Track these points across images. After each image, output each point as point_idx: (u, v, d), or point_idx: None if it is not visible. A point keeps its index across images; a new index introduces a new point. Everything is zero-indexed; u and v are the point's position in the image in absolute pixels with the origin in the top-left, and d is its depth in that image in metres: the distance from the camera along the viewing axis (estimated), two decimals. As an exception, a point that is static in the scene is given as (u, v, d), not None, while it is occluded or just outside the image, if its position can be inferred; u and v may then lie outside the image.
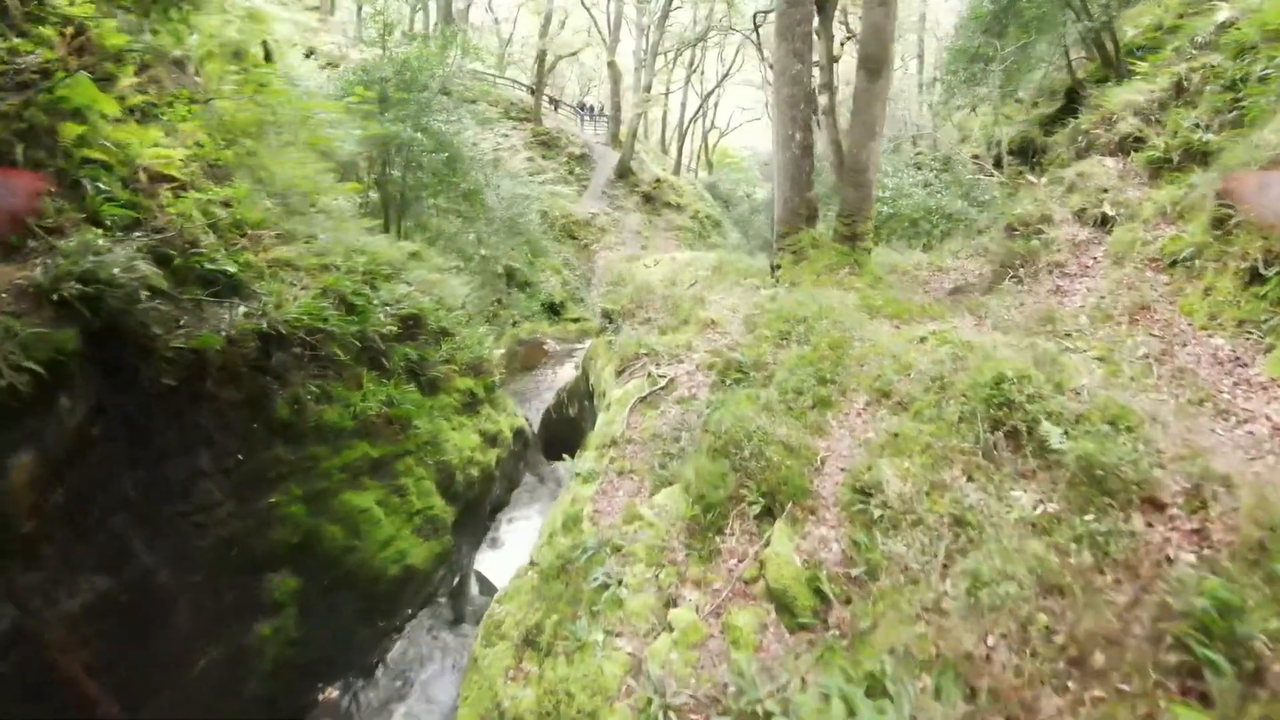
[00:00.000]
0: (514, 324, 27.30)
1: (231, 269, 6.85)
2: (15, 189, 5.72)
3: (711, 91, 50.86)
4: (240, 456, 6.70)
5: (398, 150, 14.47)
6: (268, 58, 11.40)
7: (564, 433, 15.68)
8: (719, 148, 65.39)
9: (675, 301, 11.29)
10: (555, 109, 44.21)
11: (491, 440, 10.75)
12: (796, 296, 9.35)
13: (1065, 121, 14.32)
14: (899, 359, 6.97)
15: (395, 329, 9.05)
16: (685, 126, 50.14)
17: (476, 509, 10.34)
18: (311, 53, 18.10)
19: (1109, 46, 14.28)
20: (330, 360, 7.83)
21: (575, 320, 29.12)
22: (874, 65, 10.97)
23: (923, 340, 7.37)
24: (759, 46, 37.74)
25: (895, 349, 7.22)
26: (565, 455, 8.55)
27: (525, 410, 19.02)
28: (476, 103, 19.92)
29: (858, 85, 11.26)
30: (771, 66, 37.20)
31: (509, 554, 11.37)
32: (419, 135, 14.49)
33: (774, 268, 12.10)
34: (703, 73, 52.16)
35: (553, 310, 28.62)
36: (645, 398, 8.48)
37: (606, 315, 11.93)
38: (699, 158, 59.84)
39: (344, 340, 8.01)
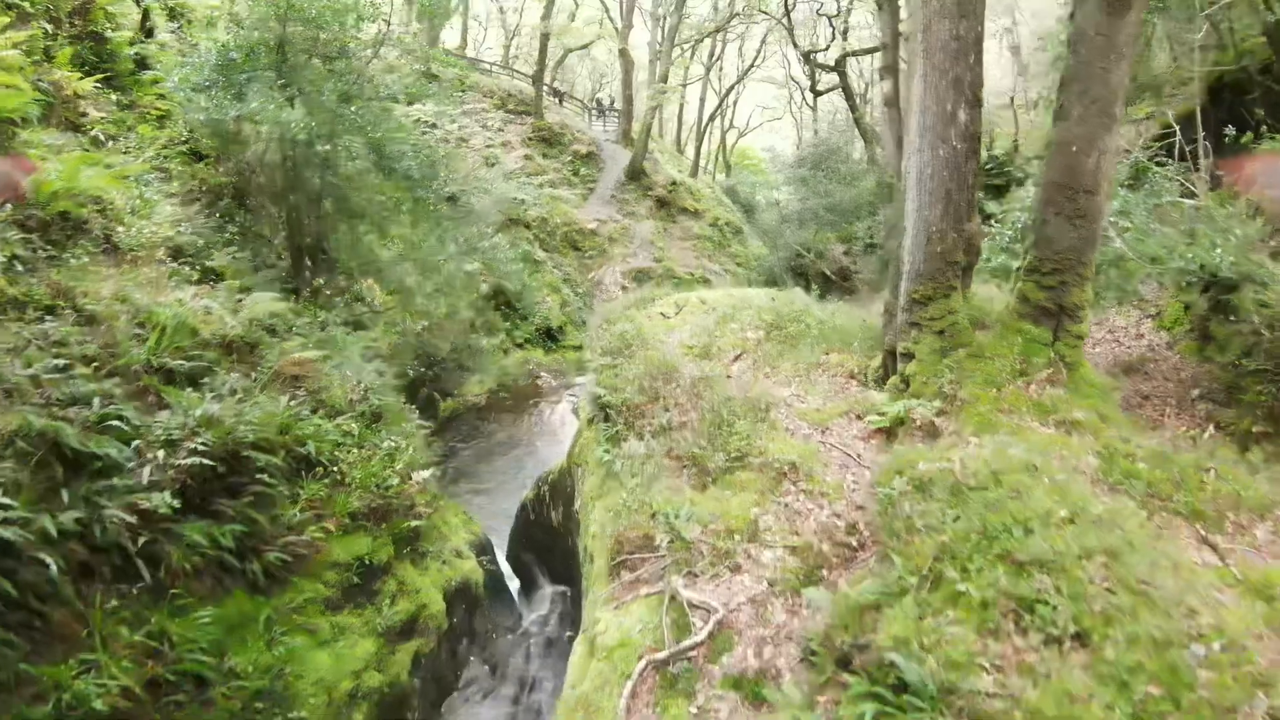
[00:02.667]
0: (504, 352, 22.99)
1: None
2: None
3: (732, 87, 46.51)
4: None
5: (303, 155, 9.86)
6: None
7: (542, 544, 11.42)
8: (738, 148, 61.10)
9: (715, 407, 6.85)
10: (560, 102, 39.77)
11: (404, 631, 6.34)
12: (983, 457, 4.80)
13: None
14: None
15: (175, 495, 4.64)
16: (705, 124, 45.68)
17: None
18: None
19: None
20: None
21: (575, 348, 24.71)
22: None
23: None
24: (790, 31, 33.33)
25: None
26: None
27: (500, 496, 14.78)
28: (438, 79, 15.44)
29: (1080, 28, 6.70)
30: (805, 56, 32.77)
31: None
32: (337, 126, 9.96)
33: (895, 355, 7.67)
34: (722, 68, 47.84)
35: (549, 336, 24.30)
36: (664, 662, 4.06)
37: (601, 407, 7.53)
38: (717, 159, 55.45)
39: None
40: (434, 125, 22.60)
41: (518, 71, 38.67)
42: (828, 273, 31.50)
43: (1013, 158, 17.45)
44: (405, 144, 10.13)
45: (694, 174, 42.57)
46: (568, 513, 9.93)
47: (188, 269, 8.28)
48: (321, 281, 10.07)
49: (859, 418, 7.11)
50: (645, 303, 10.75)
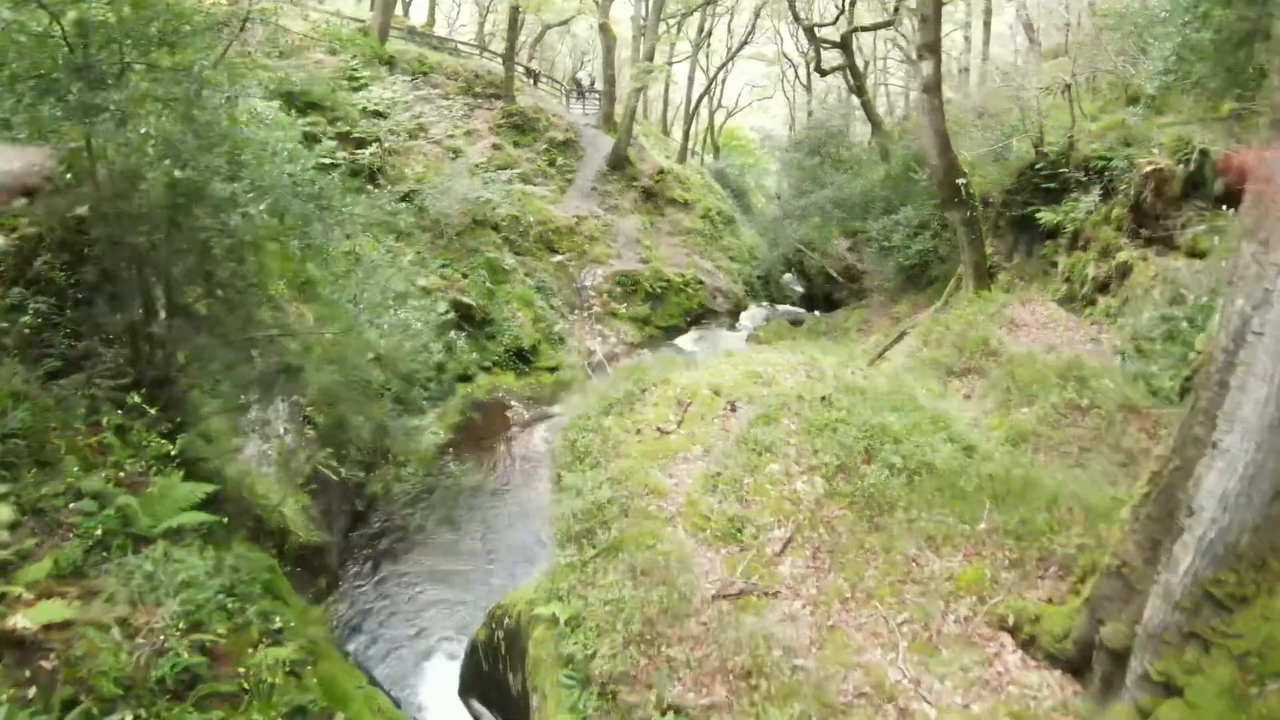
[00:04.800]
0: (468, 378, 19.87)
1: None
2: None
3: (723, 65, 43.19)
4: None
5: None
6: None
7: (498, 703, 8.55)
8: (726, 128, 57.80)
9: (769, 694, 3.79)
10: (535, 83, 36.28)
11: None
12: None
13: None
14: None
15: None
16: (694, 106, 42.39)
17: None
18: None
19: None
20: None
21: (551, 369, 21.68)
22: None
23: None
24: (792, 2, 30.02)
25: None
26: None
27: (466, 585, 11.79)
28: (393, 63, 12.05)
29: None
30: (808, 31, 29.37)
31: None
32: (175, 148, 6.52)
33: (1114, 653, 4.37)
34: (710, 45, 44.47)
35: (520, 357, 21.11)
36: None
37: (566, 661, 4.42)
38: (705, 140, 52.21)
39: None
40: (382, 114, 19.29)
41: (491, 51, 35.14)
42: (832, 272, 28.50)
43: (1068, 156, 14.38)
44: (271, 174, 6.80)
45: (682, 159, 39.43)
46: (524, 689, 6.97)
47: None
48: (178, 366, 6.87)
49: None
50: (631, 398, 7.63)
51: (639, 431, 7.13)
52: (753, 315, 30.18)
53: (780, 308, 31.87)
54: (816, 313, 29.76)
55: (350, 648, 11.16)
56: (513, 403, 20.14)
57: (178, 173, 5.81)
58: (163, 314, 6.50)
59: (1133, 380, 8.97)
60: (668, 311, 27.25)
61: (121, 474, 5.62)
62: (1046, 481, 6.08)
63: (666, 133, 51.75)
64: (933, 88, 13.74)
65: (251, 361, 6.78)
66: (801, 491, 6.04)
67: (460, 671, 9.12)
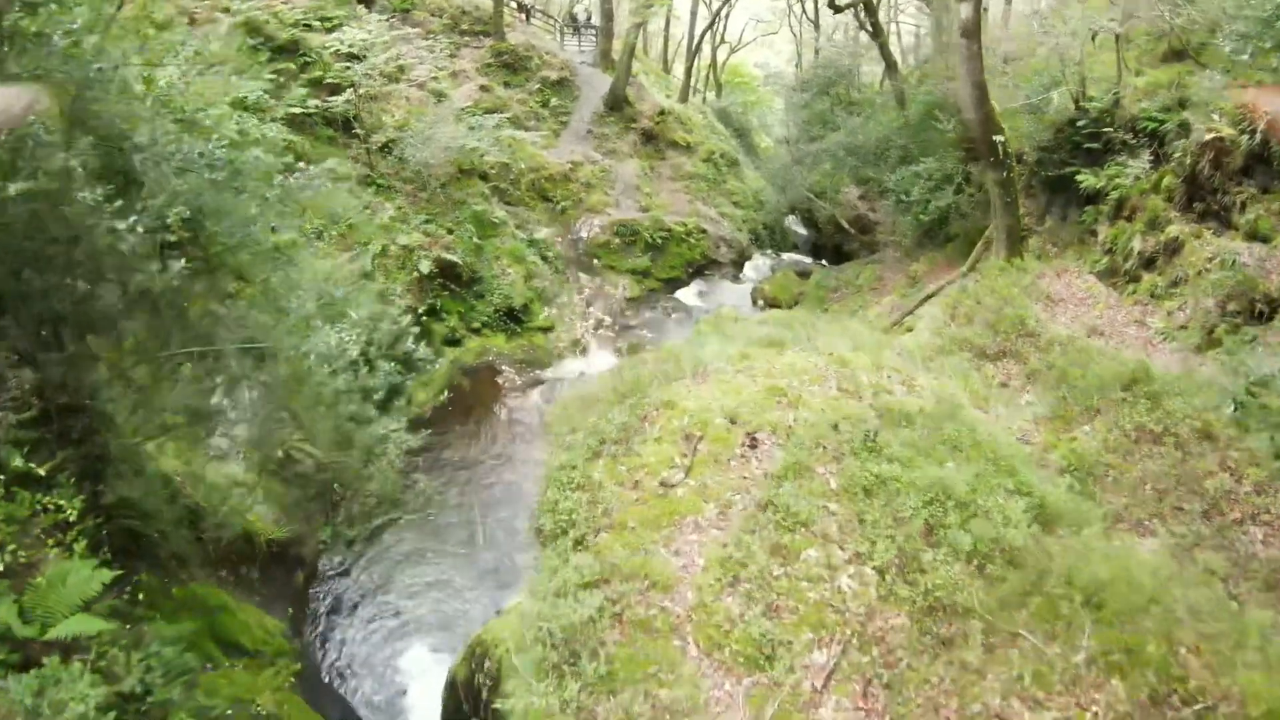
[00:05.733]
0: (456, 341, 18.74)
1: None
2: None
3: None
4: None
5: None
6: None
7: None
8: (729, 65, 55.33)
9: None
10: (527, 19, 34.10)
11: None
12: None
13: None
14: None
15: None
16: (697, 42, 40.25)
17: None
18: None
19: None
20: None
21: (546, 330, 20.46)
22: None
23: None
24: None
25: None
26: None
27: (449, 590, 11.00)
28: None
29: None
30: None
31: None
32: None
33: None
34: (714, -24, 41.98)
35: (511, 317, 19.89)
36: None
37: None
38: (707, 78, 49.94)
39: None
40: (358, 57, 17.64)
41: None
42: (843, 223, 27.04)
43: (1113, 114, 12.99)
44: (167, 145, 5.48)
45: (684, 98, 37.52)
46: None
47: None
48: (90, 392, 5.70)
49: None
50: (628, 433, 6.42)
51: (637, 484, 5.93)
52: (757, 266, 28.93)
53: (786, 256, 30.57)
54: (824, 262, 28.54)
55: (329, 659, 10.38)
56: (504, 367, 19.05)
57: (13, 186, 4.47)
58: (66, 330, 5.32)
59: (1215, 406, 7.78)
60: (669, 263, 26.01)
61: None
62: (1145, 579, 4.99)
63: (667, 70, 49.48)
64: (972, 32, 12.25)
65: (173, 383, 5.63)
66: (847, 591, 4.91)
67: (441, 708, 8.24)
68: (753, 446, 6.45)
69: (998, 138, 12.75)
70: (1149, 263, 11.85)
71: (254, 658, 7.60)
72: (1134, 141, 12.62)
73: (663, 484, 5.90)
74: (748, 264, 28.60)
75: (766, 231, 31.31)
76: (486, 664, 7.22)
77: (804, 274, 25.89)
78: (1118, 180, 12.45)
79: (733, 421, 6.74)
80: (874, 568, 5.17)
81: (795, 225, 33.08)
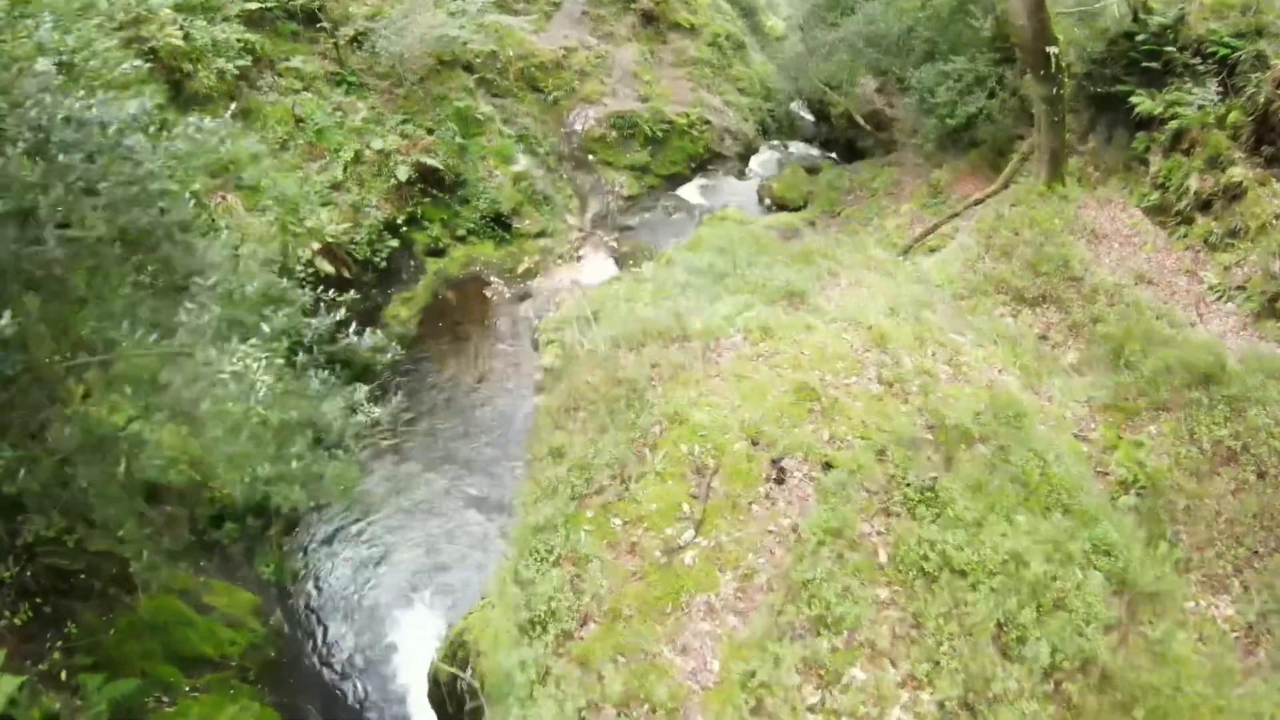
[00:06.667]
0: (440, 251, 17.55)
1: None
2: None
3: None
4: None
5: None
6: None
7: None
8: (733, -68, 50.83)
9: None
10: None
11: None
12: None
13: None
14: None
15: None
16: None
17: None
18: None
19: None
20: None
21: (537, 235, 19.16)
22: None
23: None
24: None
25: None
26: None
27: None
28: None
29: None
30: None
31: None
32: None
33: None
34: None
35: (500, 223, 18.58)
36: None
37: None
38: (710, -55, 45.76)
39: None
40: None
41: None
42: (857, 118, 25.09)
43: (1177, 31, 11.40)
44: None
45: (686, -28, 34.27)
46: None
47: None
48: None
49: None
50: (623, 467, 5.25)
51: (634, 549, 4.93)
52: (764, 161, 27.32)
53: (794, 149, 28.74)
54: (834, 156, 26.88)
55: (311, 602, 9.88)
56: (492, 278, 17.93)
57: None
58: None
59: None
60: (670, 158, 24.47)
61: None
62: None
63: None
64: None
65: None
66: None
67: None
68: (780, 482, 5.44)
69: (1051, 49, 11.16)
70: (1205, 205, 10.67)
71: (219, 669, 7.00)
72: (1200, 66, 11.08)
73: (666, 549, 4.91)
74: (754, 158, 26.99)
75: (774, 122, 29.31)
76: (468, 659, 6.58)
77: (813, 170, 24.45)
78: (1178, 108, 11.00)
79: (754, 443, 5.70)
80: (935, 699, 4.34)
81: (803, 111, 31.00)
